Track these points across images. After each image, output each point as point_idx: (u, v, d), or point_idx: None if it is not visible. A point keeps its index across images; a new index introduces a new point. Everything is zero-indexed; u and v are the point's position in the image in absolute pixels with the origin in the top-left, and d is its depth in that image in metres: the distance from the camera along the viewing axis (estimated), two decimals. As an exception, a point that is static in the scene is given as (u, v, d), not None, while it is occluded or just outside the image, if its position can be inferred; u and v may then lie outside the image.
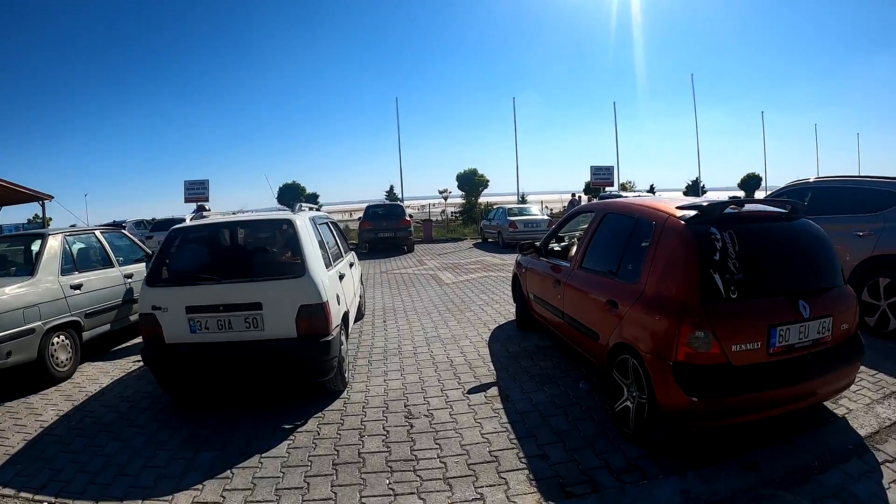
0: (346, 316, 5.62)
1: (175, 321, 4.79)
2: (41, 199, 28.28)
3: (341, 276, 5.75)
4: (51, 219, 40.00)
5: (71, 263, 6.85)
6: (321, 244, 5.46)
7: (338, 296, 5.22)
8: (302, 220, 5.18)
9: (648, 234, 4.06)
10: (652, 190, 38.80)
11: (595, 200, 23.92)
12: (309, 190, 32.72)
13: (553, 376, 5.36)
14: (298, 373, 4.77)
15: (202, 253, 5.63)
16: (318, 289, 4.69)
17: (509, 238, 19.22)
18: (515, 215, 20.02)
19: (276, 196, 30.77)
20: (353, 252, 7.92)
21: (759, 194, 40.70)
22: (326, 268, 5.17)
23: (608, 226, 4.97)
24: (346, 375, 5.34)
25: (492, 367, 5.75)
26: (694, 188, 38.68)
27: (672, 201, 4.41)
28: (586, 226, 5.45)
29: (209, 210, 8.24)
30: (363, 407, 4.85)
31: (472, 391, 5.08)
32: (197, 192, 26.72)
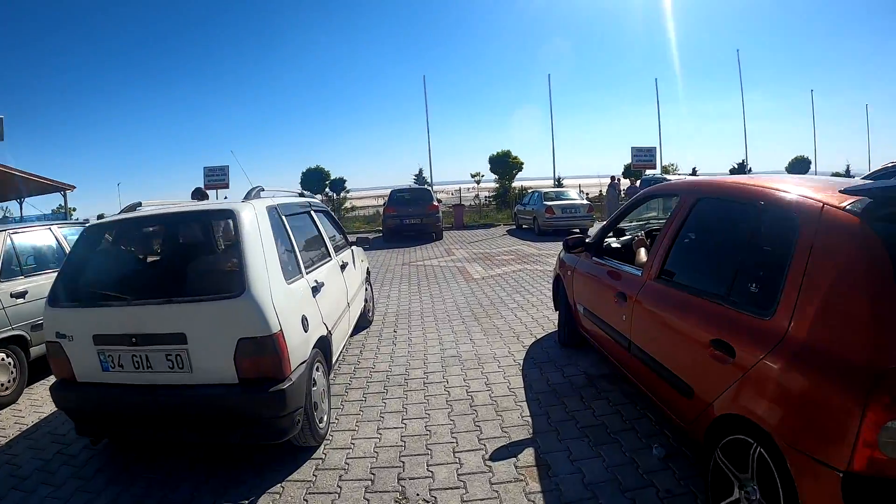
0: (324, 342, 4.14)
1: (83, 354, 3.44)
2: (63, 189, 27.77)
3: (317, 288, 4.22)
4: (74, 209, 39.81)
5: (16, 266, 5.71)
6: (287, 245, 4.00)
7: (305, 318, 3.71)
8: (250, 213, 3.65)
9: (789, 234, 2.45)
10: (694, 173, 36.48)
11: (636, 184, 22.20)
12: (334, 175, 31.32)
13: (612, 429, 3.81)
14: (243, 433, 3.33)
15: (115, 261, 4.13)
16: (265, 314, 3.21)
17: (545, 225, 17.60)
18: (552, 200, 18.36)
19: (299, 182, 29.58)
20: (352, 248, 6.37)
21: None
22: (289, 280, 3.69)
23: (706, 217, 3.37)
24: (324, 423, 3.89)
25: (526, 412, 4.21)
26: (740, 171, 36.24)
27: (812, 181, 2.82)
28: (659, 215, 3.87)
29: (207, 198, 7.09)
30: (339, 478, 3.38)
31: (497, 456, 3.55)
32: (217, 178, 25.50)
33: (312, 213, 5.22)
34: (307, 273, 4.16)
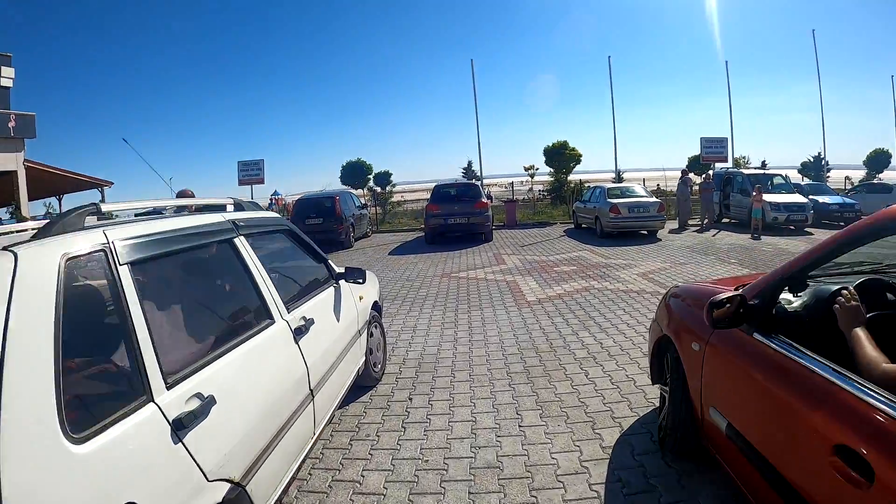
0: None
1: None
2: (100, 185, 26.89)
3: (201, 411, 2.05)
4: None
5: None
6: (106, 347, 1.91)
7: None
8: None
9: None
10: (763, 166, 33.24)
11: (706, 178, 19.53)
12: (377, 168, 29.41)
13: None
14: None
15: None
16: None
17: (610, 226, 15.21)
18: (618, 197, 15.93)
19: (338, 177, 27.85)
20: (337, 286, 4.27)
21: (890, 174, 34.39)
22: (94, 428, 1.61)
23: None
24: None
25: None
26: (816, 165, 32.83)
27: None
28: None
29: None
30: None
31: None
32: (251, 173, 24.50)
33: (238, 242, 3.01)
34: (179, 384, 2.05)
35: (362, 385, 4.82)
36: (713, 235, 15.90)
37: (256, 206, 4.14)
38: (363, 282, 4.32)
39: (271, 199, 32.72)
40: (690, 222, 18.27)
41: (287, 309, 3.16)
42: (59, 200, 30.81)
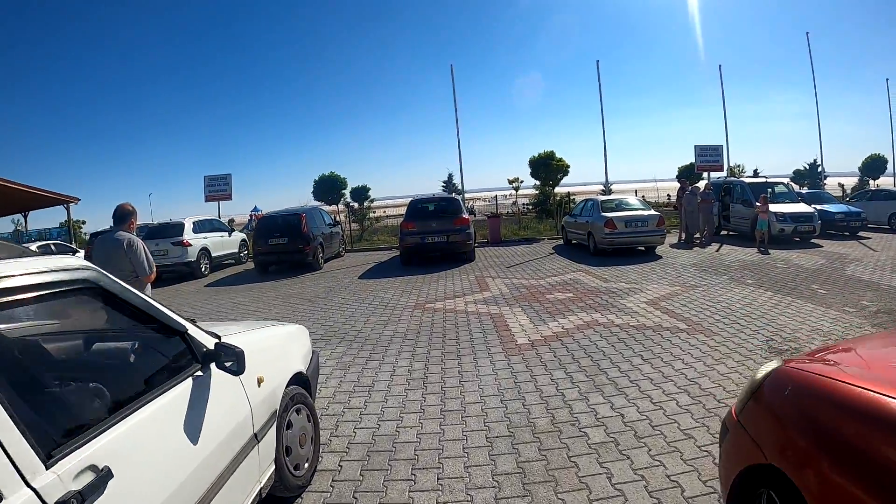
0: None
1: None
2: (66, 202, 25.13)
3: None
4: (84, 221, 37.58)
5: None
6: None
7: None
8: None
9: None
10: (756, 174, 32.10)
11: (705, 187, 18.16)
12: (354, 182, 27.77)
13: None
14: None
15: None
16: None
17: (605, 242, 13.68)
18: (612, 210, 14.40)
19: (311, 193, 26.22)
20: (194, 378, 2.43)
21: (886, 180, 33.45)
22: None
23: None
24: None
25: None
26: (812, 172, 31.74)
27: None
28: None
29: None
30: None
31: None
32: (219, 189, 23.13)
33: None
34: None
35: (276, 496, 3.18)
36: (717, 250, 14.44)
37: (65, 248, 2.48)
38: (239, 370, 2.53)
39: (251, 216, 31.04)
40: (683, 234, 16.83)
41: (46, 461, 1.53)
42: (25, 217, 29.97)
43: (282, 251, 15.12)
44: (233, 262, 18.59)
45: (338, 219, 22.25)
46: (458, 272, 12.79)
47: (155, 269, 5.78)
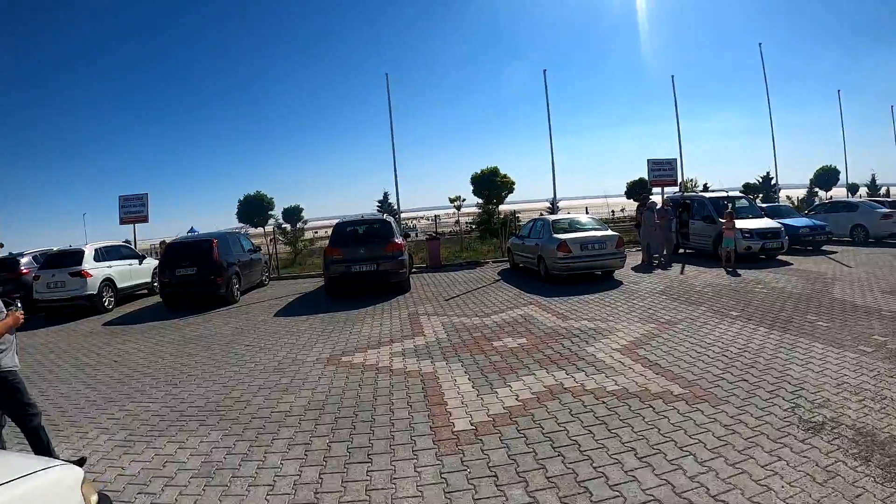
0: None
1: None
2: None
3: None
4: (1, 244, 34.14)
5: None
6: None
7: None
8: None
9: None
10: (706, 189, 31.37)
11: (664, 203, 16.81)
12: (285, 202, 25.61)
13: None
14: None
15: None
16: None
17: (558, 268, 11.97)
18: (565, 231, 12.73)
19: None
20: None
21: (839, 191, 33.32)
22: None
23: None
24: None
25: None
26: (765, 185, 31.18)
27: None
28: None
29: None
30: None
31: None
32: (134, 210, 20.74)
33: None
34: None
35: None
36: (681, 272, 12.92)
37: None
38: None
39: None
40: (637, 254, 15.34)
41: None
42: (-71, 245, 26.58)
43: (190, 283, 12.97)
44: (146, 292, 16.25)
45: (265, 242, 20.11)
46: (388, 307, 10.85)
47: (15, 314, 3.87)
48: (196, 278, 12.95)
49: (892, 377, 5.24)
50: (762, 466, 3.64)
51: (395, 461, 4.07)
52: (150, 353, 8.53)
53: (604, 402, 4.88)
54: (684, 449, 3.93)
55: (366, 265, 12.22)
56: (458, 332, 8.18)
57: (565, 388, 5.30)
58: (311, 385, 6.13)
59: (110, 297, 14.05)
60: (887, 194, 38.11)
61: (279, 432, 4.84)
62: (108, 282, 14.10)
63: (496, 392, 5.36)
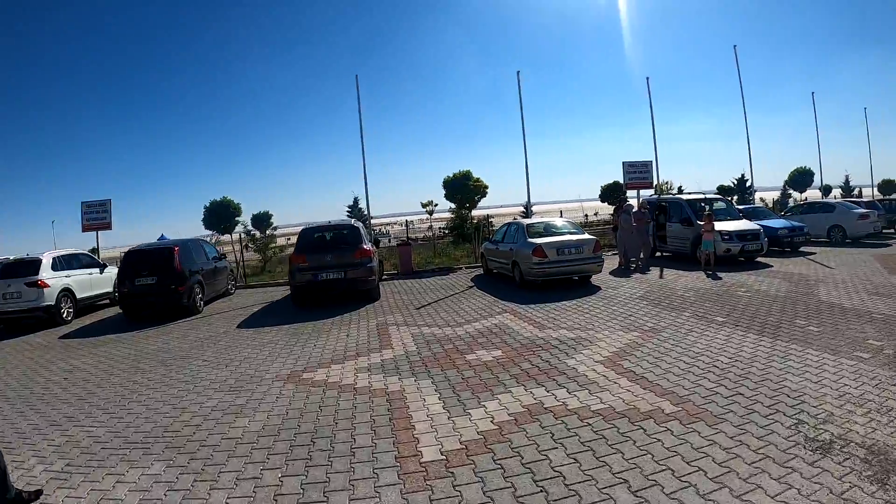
0: None
1: None
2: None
3: None
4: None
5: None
6: None
7: None
8: None
9: None
10: (680, 191, 31.29)
11: (640, 205, 16.47)
12: (254, 209, 24.84)
13: None
14: None
15: None
16: None
17: (534, 274, 11.49)
18: (540, 235, 12.27)
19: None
20: None
21: (813, 193, 33.48)
22: None
23: None
24: None
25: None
26: (740, 187, 31.19)
27: None
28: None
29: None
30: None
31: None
32: (97, 217, 19.82)
33: None
34: None
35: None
36: (660, 276, 12.54)
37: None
38: None
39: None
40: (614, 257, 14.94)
41: None
42: None
43: (150, 293, 12.25)
44: (108, 302, 15.45)
45: (233, 249, 19.38)
46: (357, 317, 10.27)
47: None
48: (156, 288, 12.25)
49: (893, 384, 4.87)
50: (772, 497, 3.18)
51: (355, 501, 3.52)
52: (104, 370, 7.86)
53: (589, 424, 4.38)
54: (683, 479, 3.45)
55: (333, 273, 11.64)
56: (428, 344, 7.65)
57: (546, 408, 4.79)
58: (267, 406, 5.54)
59: (69, 308, 13.26)
60: (860, 195, 38.55)
61: (227, 463, 4.26)
62: (67, 292, 13.32)
63: (469, 413, 4.83)
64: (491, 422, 4.59)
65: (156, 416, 5.57)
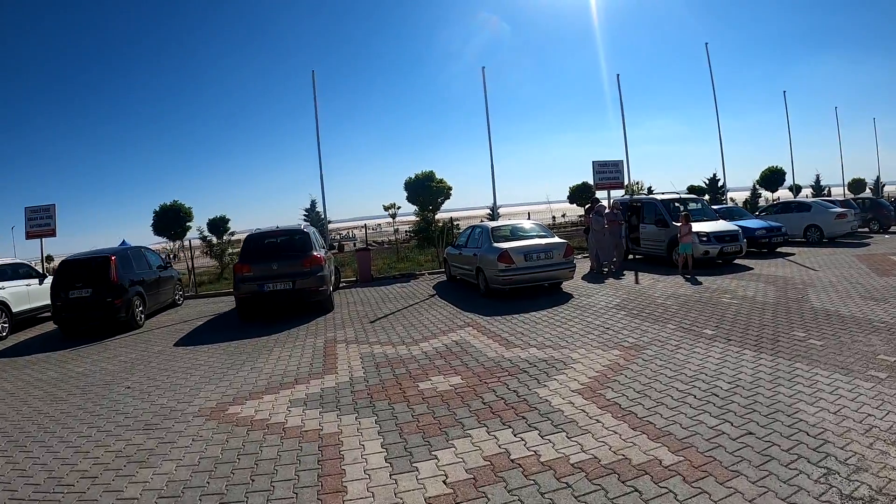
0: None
1: None
2: None
3: None
4: None
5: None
6: None
7: None
8: None
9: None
10: (650, 192, 30.78)
11: (613, 206, 15.67)
12: (210, 213, 23.49)
13: None
14: None
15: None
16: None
17: (500, 281, 10.53)
18: (507, 239, 11.34)
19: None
20: None
21: (784, 193, 33.30)
22: None
23: None
24: None
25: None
26: (712, 188, 30.78)
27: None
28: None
29: None
30: None
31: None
32: (40, 223, 18.22)
33: None
34: None
35: None
36: (636, 282, 11.68)
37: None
38: None
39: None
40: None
41: None
42: None
43: (85, 307, 11.05)
44: (49, 314, 14.19)
45: (184, 256, 18.09)
46: (304, 332, 9.19)
47: None
48: (91, 301, 11.06)
49: (922, 411, 4.05)
50: None
51: None
52: (17, 399, 6.72)
53: (569, 486, 3.39)
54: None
55: (280, 283, 10.56)
56: (377, 367, 6.62)
57: (513, 461, 3.78)
58: (178, 453, 4.48)
59: (4, 323, 11.96)
60: (829, 194, 38.59)
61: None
62: (2, 306, 12.05)
63: (417, 468, 3.80)
64: (443, 482, 3.57)
65: (52, 464, 4.50)
